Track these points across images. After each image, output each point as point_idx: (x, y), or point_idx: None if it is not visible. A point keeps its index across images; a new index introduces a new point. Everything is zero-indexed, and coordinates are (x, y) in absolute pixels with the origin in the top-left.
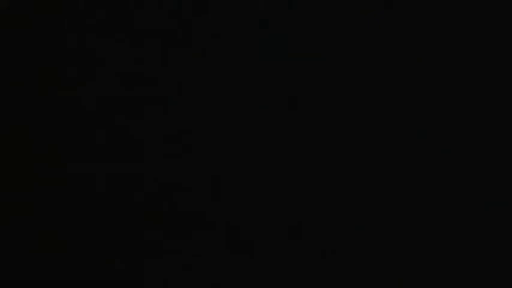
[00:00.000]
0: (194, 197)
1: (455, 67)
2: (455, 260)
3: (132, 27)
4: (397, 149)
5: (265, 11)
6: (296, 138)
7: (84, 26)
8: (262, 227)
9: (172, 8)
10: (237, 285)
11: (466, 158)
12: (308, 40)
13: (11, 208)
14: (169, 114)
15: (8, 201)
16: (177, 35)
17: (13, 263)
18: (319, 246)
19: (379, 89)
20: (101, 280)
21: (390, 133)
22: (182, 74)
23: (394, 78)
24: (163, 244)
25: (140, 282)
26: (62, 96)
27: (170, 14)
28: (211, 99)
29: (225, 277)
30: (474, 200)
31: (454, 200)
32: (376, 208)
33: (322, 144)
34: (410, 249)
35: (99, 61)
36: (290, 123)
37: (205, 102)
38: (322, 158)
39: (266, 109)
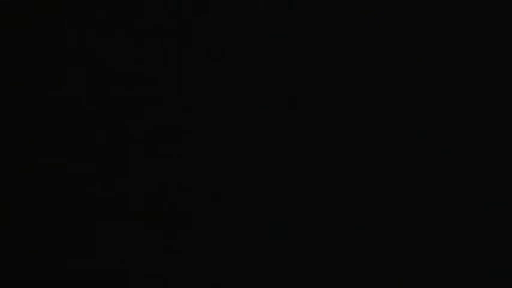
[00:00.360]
0: (194, 197)
1: (455, 67)
2: (455, 260)
3: (132, 27)
4: (397, 149)
5: (265, 11)
6: (296, 138)
7: (84, 26)
8: (262, 227)
9: (172, 8)
10: (237, 285)
11: (466, 158)
12: (308, 40)
13: (11, 208)
14: (169, 114)
15: (8, 201)
16: (177, 35)
17: (13, 263)
18: (319, 246)
19: (379, 89)
20: (100, 280)
21: (390, 133)
22: (182, 74)
23: (394, 78)
24: (163, 244)
25: (140, 282)
26: (62, 96)
27: (170, 14)
28: (211, 99)
29: (225, 277)
30: (474, 200)
31: (454, 200)
32: (376, 208)
33: (322, 144)
34: (411, 249)
35: (99, 61)
36: (290, 123)
37: (205, 102)
38: (322, 158)
39: (266, 109)
